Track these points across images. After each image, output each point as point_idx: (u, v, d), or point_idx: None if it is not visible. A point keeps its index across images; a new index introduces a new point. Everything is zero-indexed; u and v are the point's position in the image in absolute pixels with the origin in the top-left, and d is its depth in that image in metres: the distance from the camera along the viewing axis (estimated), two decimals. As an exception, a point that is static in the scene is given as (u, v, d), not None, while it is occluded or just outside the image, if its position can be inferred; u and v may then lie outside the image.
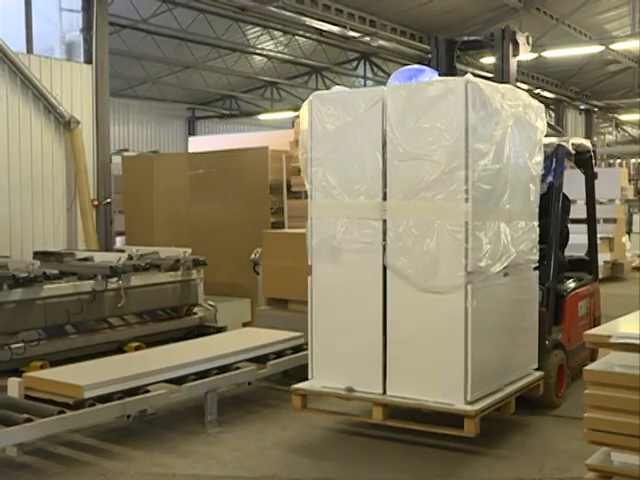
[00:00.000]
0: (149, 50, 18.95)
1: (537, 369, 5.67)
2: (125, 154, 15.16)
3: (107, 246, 10.67)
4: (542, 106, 5.59)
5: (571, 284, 6.74)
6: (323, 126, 5.15)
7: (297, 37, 19.53)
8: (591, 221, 7.31)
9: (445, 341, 4.73)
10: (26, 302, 6.20)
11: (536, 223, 5.51)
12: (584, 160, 7.12)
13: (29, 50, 10.79)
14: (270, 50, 20.79)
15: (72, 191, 10.60)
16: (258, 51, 20.79)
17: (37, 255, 7.73)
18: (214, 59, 20.63)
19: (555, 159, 6.24)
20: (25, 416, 4.57)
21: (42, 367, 5.96)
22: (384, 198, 4.94)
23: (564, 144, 6.32)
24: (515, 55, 6.04)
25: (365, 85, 22.49)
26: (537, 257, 5.53)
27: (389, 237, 4.90)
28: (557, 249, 6.15)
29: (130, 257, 7.25)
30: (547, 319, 5.99)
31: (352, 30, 16.03)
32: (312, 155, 5.23)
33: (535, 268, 5.61)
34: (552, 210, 6.16)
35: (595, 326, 6.93)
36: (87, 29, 10.98)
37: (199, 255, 7.63)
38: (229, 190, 9.11)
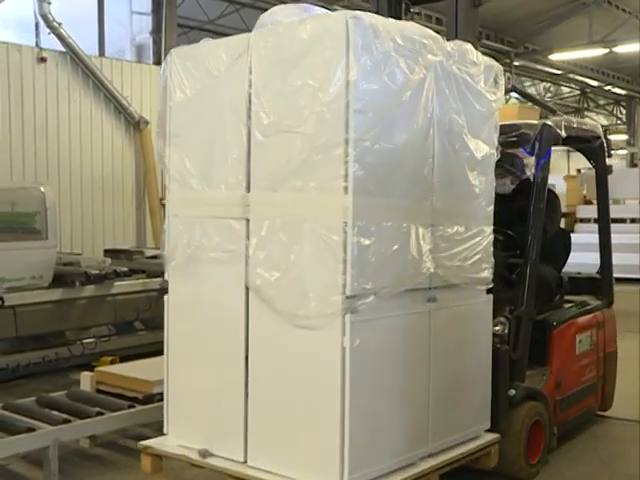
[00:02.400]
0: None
1: (491, 430, 4.13)
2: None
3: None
4: (499, 68, 4.02)
5: (565, 312, 5.11)
6: (182, 91, 3.77)
7: None
8: (604, 229, 5.62)
9: (315, 398, 3.25)
10: (97, 299, 6.66)
11: (488, 228, 3.96)
12: (592, 149, 5.46)
13: (101, 53, 11.54)
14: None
15: (141, 190, 11.19)
16: None
17: (107, 253, 8.09)
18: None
19: (538, 144, 4.66)
20: (97, 409, 4.59)
21: (112, 362, 6.17)
22: (248, 189, 3.52)
23: (551, 124, 4.73)
24: (476, 5, 4.50)
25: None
26: (489, 275, 3.98)
27: (251, 244, 3.47)
28: (535, 264, 4.54)
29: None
30: (517, 361, 4.42)
31: None
32: (168, 131, 3.86)
33: (490, 290, 4.07)
34: (532, 211, 4.58)
35: (606, 366, 5.32)
36: (156, 31, 11.82)
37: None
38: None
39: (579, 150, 5.66)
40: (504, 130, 4.83)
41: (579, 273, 5.92)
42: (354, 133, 3.11)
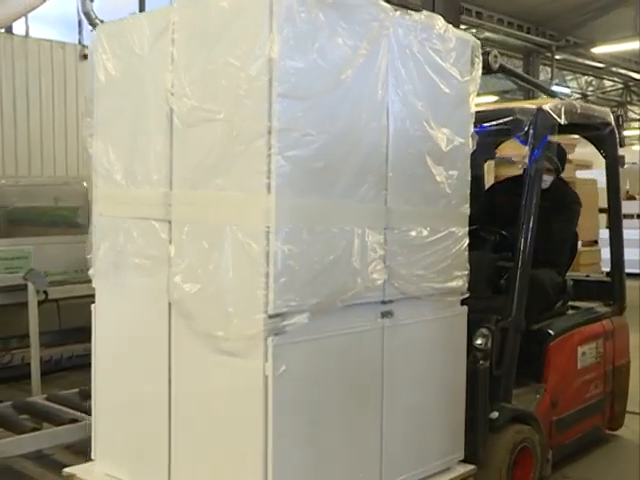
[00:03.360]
0: None
1: (468, 460, 3.61)
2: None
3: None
4: (475, 43, 3.44)
5: (565, 320, 4.54)
6: (107, 72, 3.30)
7: None
8: (614, 227, 5.01)
9: (236, 435, 2.77)
10: None
11: (461, 230, 3.41)
12: (602, 137, 4.86)
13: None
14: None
15: None
16: None
17: None
18: None
19: (533, 132, 4.09)
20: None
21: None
22: (171, 186, 3.04)
23: (548, 109, 4.15)
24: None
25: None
26: (462, 285, 3.44)
27: (172, 250, 3.00)
28: (526, 268, 3.98)
29: None
30: (502, 378, 3.88)
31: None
32: (95, 118, 3.40)
33: (464, 302, 3.53)
34: (524, 209, 4.03)
35: (615, 381, 4.74)
36: None
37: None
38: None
39: (587, 139, 5.05)
40: (495, 116, 4.30)
41: (587, 276, 5.34)
42: (278, 121, 2.60)
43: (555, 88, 21.35)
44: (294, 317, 2.66)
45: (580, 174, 11.21)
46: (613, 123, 4.79)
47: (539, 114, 4.10)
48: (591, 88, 24.95)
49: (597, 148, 4.99)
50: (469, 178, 3.43)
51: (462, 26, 16.53)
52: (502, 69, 4.06)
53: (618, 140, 4.87)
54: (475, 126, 4.67)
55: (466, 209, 3.43)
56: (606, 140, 4.87)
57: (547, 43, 18.34)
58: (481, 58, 3.41)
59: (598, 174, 14.87)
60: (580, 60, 20.25)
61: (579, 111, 4.42)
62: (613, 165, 4.93)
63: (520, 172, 4.52)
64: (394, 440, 3.13)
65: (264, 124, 2.61)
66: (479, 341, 3.83)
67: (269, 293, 2.62)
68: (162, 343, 3.04)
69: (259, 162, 2.63)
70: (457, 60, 3.28)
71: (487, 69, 3.93)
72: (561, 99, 4.62)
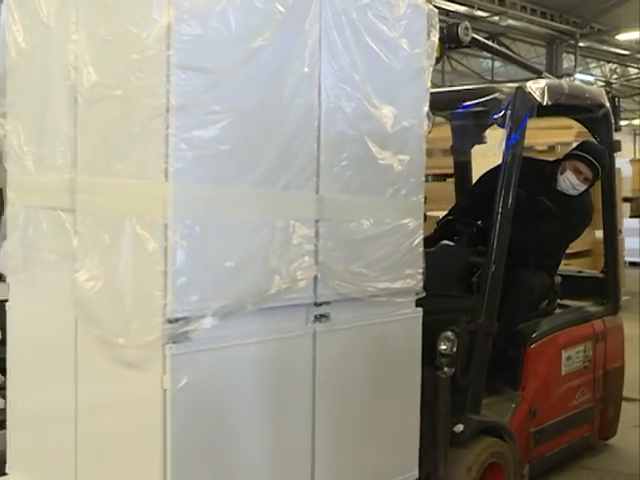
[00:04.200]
0: None
1: (430, 478, 3.24)
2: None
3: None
4: (432, 11, 3.03)
5: (549, 321, 4.14)
6: (18, 45, 2.95)
7: None
8: (608, 220, 4.58)
9: (139, 451, 2.43)
10: None
11: (414, 222, 3.03)
12: (595, 120, 4.44)
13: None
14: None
15: None
16: None
17: None
18: None
19: (510, 113, 3.69)
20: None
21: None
22: (77, 172, 2.69)
23: (528, 89, 3.74)
24: None
25: (492, 70, 20.51)
26: (416, 283, 3.06)
27: (75, 244, 2.66)
28: (499, 265, 3.58)
29: None
30: (470, 387, 3.50)
31: (480, 10, 15.65)
32: (7, 98, 3.06)
33: (420, 302, 3.15)
34: (499, 199, 3.63)
35: (606, 387, 4.33)
36: None
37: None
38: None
39: (579, 122, 4.63)
40: (474, 95, 3.92)
41: (580, 271, 4.92)
42: (176, 97, 2.24)
43: (579, 76, 20.80)
44: (196, 322, 2.31)
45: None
46: (607, 105, 4.36)
47: (518, 94, 3.70)
48: (615, 76, 24.24)
49: (590, 132, 4.56)
50: (423, 164, 3.05)
51: (483, 13, 16.15)
52: (475, 43, 3.66)
53: (613, 124, 4.44)
54: (453, 108, 4.34)
55: (420, 199, 3.05)
56: (600, 123, 4.44)
57: (571, 30, 17.94)
58: (437, 27, 3.01)
59: (622, 163, 14.44)
60: (604, 47, 19.76)
61: (566, 91, 4.00)
62: (607, 150, 4.49)
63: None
64: (330, 461, 2.76)
65: (161, 101, 2.25)
66: (443, 346, 3.46)
67: (167, 295, 2.27)
68: (69, 349, 2.70)
69: (157, 145, 2.28)
70: (407, 30, 2.89)
71: (457, 43, 3.55)
72: (548, 77, 4.20)
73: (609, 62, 22.80)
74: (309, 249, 2.60)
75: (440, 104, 4.06)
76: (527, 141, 8.93)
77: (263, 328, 2.53)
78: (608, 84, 23.84)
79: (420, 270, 3.05)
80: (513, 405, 3.77)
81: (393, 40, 2.84)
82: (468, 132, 4.68)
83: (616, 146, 4.51)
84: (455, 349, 3.42)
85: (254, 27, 2.39)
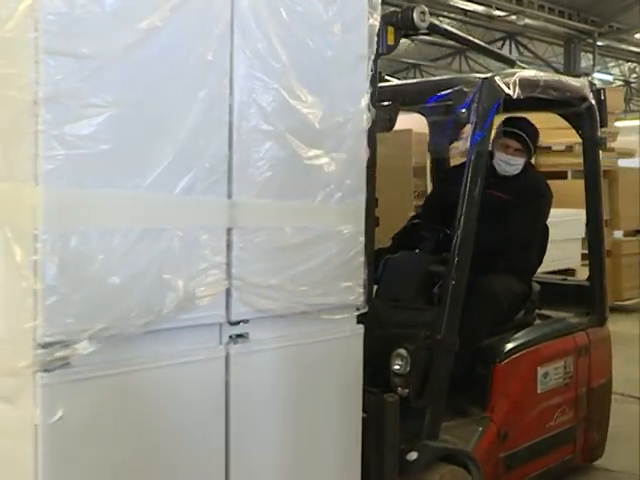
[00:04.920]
0: None
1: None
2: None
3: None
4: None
5: (523, 335, 3.78)
6: None
7: (441, 18, 18.14)
8: (593, 222, 4.21)
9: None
10: None
11: (351, 229, 2.69)
12: (578, 115, 4.09)
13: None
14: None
15: None
16: None
17: None
18: None
19: (476, 107, 3.35)
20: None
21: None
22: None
23: (495, 80, 3.40)
24: None
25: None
26: (356, 298, 2.73)
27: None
28: (462, 274, 3.24)
29: None
30: (426, 411, 3.16)
31: (497, 9, 15.67)
32: None
33: (362, 318, 2.81)
34: (462, 199, 3.29)
35: (591, 405, 3.99)
36: None
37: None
38: (380, 173, 8.03)
39: (562, 117, 4.26)
40: (442, 87, 3.60)
41: (564, 279, 4.56)
42: (45, 87, 1.93)
43: (597, 75, 20.37)
44: (71, 347, 2.00)
45: (622, 163, 10.39)
46: (591, 98, 4.00)
47: (484, 85, 3.36)
48: (634, 75, 23.77)
49: (574, 128, 4.20)
50: (364, 163, 2.72)
51: (501, 12, 15.89)
52: (434, 29, 3.31)
53: (598, 118, 4.08)
54: (418, 101, 3.99)
55: (360, 202, 2.72)
56: (583, 118, 4.08)
57: (589, 29, 17.71)
58: (379, 11, 2.68)
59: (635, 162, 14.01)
60: (623, 46, 19.49)
61: (542, 83, 3.65)
62: (591, 148, 4.13)
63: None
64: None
65: (28, 92, 1.95)
66: (396, 365, 3.13)
67: (37, 315, 1.96)
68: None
69: (26, 143, 1.97)
70: (341, 13, 2.56)
71: (412, 29, 3.21)
72: (522, 68, 3.86)
73: (628, 61, 22.41)
74: (218, 261, 2.28)
75: (404, 97, 3.76)
76: (545, 141, 8.64)
77: (160, 352, 2.21)
78: (627, 83, 23.38)
79: (361, 283, 2.72)
80: (480, 428, 3.43)
81: (323, 24, 2.51)
82: (444, 128, 4.34)
83: (602, 143, 4.15)
84: (408, 368, 3.09)
85: (143, 6, 2.07)
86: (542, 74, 3.75)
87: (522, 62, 20.18)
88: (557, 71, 18.02)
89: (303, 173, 2.50)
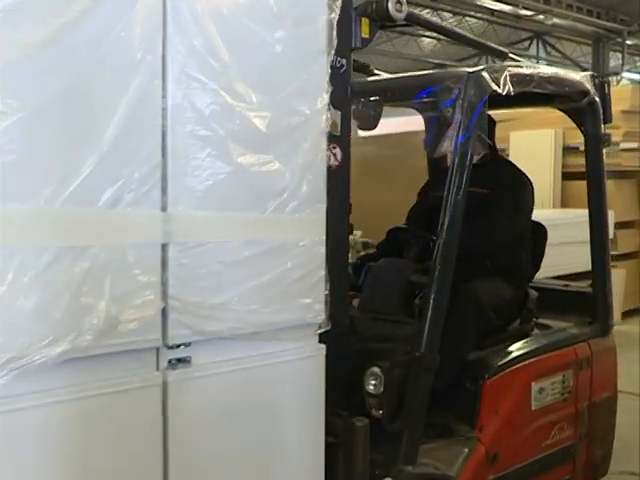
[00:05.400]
0: None
1: None
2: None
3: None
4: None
5: (516, 348, 3.52)
6: None
7: (467, 18, 18.15)
8: (597, 225, 3.93)
9: None
10: None
11: (308, 241, 2.46)
12: (579, 111, 3.81)
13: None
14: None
15: None
16: (427, 33, 18.80)
17: None
18: (383, 42, 19.48)
19: (461, 103, 3.09)
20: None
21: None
22: None
23: (482, 74, 3.14)
24: None
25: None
26: (319, 315, 2.51)
27: None
28: (444, 284, 2.99)
29: None
30: (405, 434, 2.92)
31: (525, 8, 15.44)
32: None
33: (326, 335, 2.59)
34: (445, 204, 3.04)
35: (593, 421, 3.73)
36: None
37: (368, 238, 7.15)
38: (399, 174, 8.33)
39: (565, 112, 3.98)
40: (424, 82, 3.37)
41: (566, 285, 4.29)
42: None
43: (626, 75, 19.85)
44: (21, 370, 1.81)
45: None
46: (593, 93, 3.72)
47: (470, 80, 3.11)
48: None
49: (576, 124, 3.92)
50: (323, 170, 2.48)
51: (528, 12, 15.57)
52: (413, 20, 3.07)
53: (601, 114, 3.80)
54: (408, 96, 3.75)
55: (319, 211, 2.49)
56: (585, 114, 3.80)
57: (618, 28, 17.37)
58: (339, 2, 2.44)
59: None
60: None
61: (536, 78, 3.38)
62: (594, 146, 3.85)
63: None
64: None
65: None
66: (370, 385, 2.90)
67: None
68: None
69: None
70: (294, 5, 2.33)
71: (389, 20, 2.97)
72: (514, 60, 3.59)
73: (659, 61, 21.90)
74: (150, 280, 2.07)
75: (391, 93, 3.53)
76: (573, 141, 8.31)
77: (87, 380, 2.01)
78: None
79: (321, 299, 2.50)
80: (466, 450, 3.18)
81: (272, 17, 2.28)
82: (434, 126, 4.08)
83: (606, 140, 3.86)
84: (382, 389, 2.86)
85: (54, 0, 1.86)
86: (537, 68, 3.49)
87: (550, 62, 19.85)
88: (584, 71, 17.58)
89: (250, 181, 2.27)
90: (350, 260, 3.81)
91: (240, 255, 2.27)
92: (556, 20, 16.12)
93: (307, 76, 2.37)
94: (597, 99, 3.76)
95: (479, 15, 17.23)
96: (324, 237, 2.50)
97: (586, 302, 3.98)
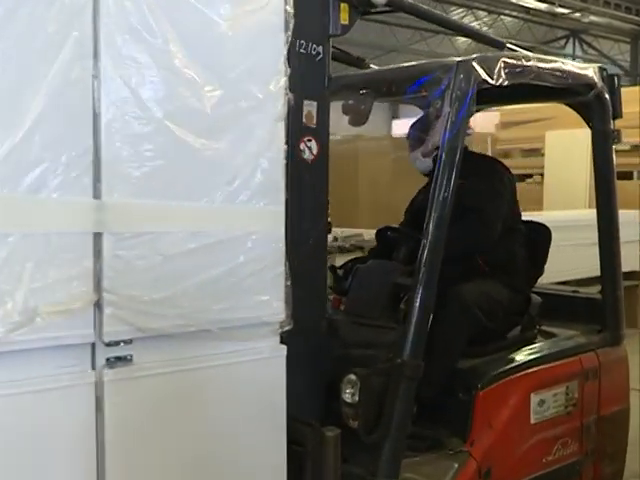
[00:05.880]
0: (353, 34, 17.76)
1: None
2: (331, 137, 14.60)
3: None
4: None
5: (514, 356, 3.30)
6: None
7: (502, 16, 18.33)
8: (606, 228, 3.68)
9: None
10: None
11: (263, 234, 2.30)
12: (586, 105, 3.59)
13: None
14: (474, 31, 19.21)
15: None
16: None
17: None
18: (417, 42, 19.32)
19: (450, 94, 2.91)
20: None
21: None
22: None
23: (473, 63, 2.96)
24: None
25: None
26: (279, 314, 2.34)
27: None
28: (430, 287, 2.79)
29: (335, 239, 7.03)
30: (386, 446, 2.71)
31: (561, 6, 15.44)
32: None
33: (296, 337, 2.41)
34: (430, 204, 2.85)
35: (601, 436, 3.50)
36: None
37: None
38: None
39: (572, 107, 3.76)
40: (409, 74, 3.22)
41: (575, 291, 4.05)
42: None
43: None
44: None
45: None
46: (600, 86, 3.50)
47: (458, 70, 2.93)
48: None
49: (583, 119, 3.70)
50: (280, 158, 2.33)
51: (565, 10, 15.38)
52: (396, 5, 2.91)
53: (610, 109, 3.57)
54: (402, 89, 3.57)
55: (278, 203, 2.33)
56: (592, 108, 3.58)
57: None
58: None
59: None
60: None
61: (535, 69, 3.18)
62: (602, 142, 3.62)
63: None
64: None
65: None
66: (346, 394, 2.71)
67: None
68: None
69: None
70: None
71: (369, 5, 2.82)
72: (511, 50, 3.40)
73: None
74: (79, 271, 1.94)
75: (381, 87, 3.38)
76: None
77: (7, 378, 1.87)
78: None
79: (281, 296, 2.33)
80: (455, 465, 2.97)
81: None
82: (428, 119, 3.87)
83: (615, 137, 3.63)
84: (357, 397, 2.67)
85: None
86: (536, 58, 3.28)
87: (586, 60, 19.46)
88: (622, 69, 17.21)
89: (195, 168, 2.13)
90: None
91: (184, 247, 2.12)
92: (593, 18, 16.25)
93: (258, 57, 2.22)
94: (605, 93, 3.54)
95: (514, 14, 17.16)
96: (282, 230, 2.34)
97: (595, 309, 3.73)
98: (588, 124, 3.67)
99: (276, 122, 2.28)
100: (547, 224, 3.71)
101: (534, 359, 3.31)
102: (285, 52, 2.29)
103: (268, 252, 2.29)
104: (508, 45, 3.39)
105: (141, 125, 2.02)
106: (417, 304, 2.78)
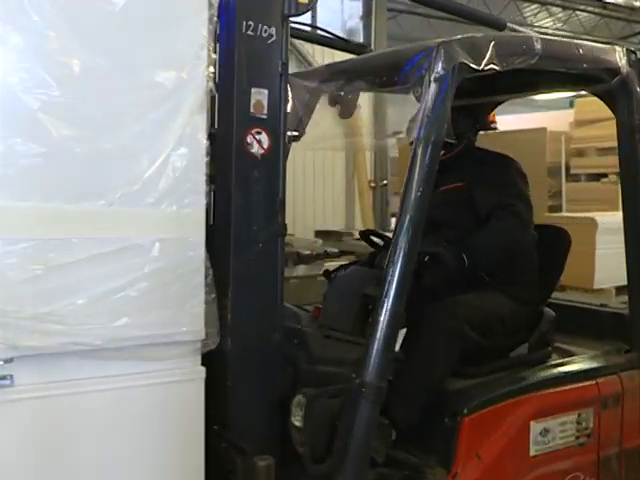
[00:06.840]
0: (425, 33, 17.55)
1: None
2: (399, 137, 14.18)
3: (383, 227, 10.23)
4: None
5: (512, 379, 2.90)
6: None
7: (577, 12, 17.56)
8: (633, 228, 3.20)
9: None
10: (308, 278, 6.54)
11: (176, 239, 2.04)
12: (609, 92, 3.14)
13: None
14: (548, 27, 18.31)
15: (350, 172, 10.97)
16: (535, 29, 18.19)
17: (318, 234, 8.41)
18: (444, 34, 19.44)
19: (427, 81, 2.56)
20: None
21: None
22: None
23: (453, 44, 2.59)
24: None
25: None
26: (197, 331, 2.07)
27: None
28: (398, 297, 2.44)
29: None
30: (340, 478, 2.41)
31: None
32: None
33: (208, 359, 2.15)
34: (405, 196, 2.50)
35: (623, 472, 3.08)
36: (366, 16, 11.82)
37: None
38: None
39: (597, 96, 3.31)
40: (394, 59, 2.90)
41: (602, 305, 3.59)
42: None
43: None
44: None
45: None
46: (625, 71, 3.04)
47: (439, 52, 2.57)
48: None
49: (611, 110, 3.24)
50: (200, 158, 2.05)
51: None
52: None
53: (639, 98, 3.11)
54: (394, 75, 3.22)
55: (197, 207, 2.06)
56: (617, 97, 3.13)
57: None
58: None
59: None
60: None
61: (538, 51, 2.76)
62: (628, 135, 3.15)
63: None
64: None
65: None
66: (295, 416, 2.42)
67: None
68: None
69: None
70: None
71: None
72: (515, 31, 3.00)
73: None
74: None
75: (364, 76, 3.06)
76: None
77: None
78: None
79: (199, 311, 2.07)
80: (432, 506, 2.63)
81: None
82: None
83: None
84: (303, 421, 2.37)
85: None
86: (543, 39, 2.85)
87: (666, 56, 18.55)
88: None
89: (87, 167, 1.89)
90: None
91: (73, 256, 1.88)
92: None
93: (165, 43, 1.96)
94: (634, 80, 3.09)
95: (590, 9, 16.39)
96: (202, 237, 2.07)
97: (622, 326, 3.28)
98: (614, 114, 3.22)
99: (192, 114, 2.01)
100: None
101: (536, 382, 2.90)
102: (205, 34, 2.02)
103: (181, 261, 2.03)
104: (509, 25, 2.97)
105: (16, 118, 1.80)
106: (382, 318, 2.44)
